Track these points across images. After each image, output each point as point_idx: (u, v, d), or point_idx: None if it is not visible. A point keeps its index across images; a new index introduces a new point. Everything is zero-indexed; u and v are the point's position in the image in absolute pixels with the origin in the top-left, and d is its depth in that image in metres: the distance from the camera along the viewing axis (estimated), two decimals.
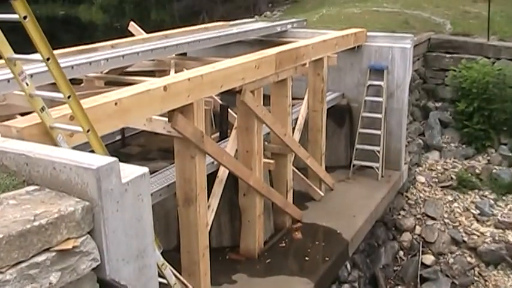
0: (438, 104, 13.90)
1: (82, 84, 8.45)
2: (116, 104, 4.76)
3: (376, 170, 11.05)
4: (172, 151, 6.42)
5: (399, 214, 11.82)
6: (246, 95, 6.91)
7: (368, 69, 11.11)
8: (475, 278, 10.69)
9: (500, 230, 11.22)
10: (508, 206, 11.72)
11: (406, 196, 12.18)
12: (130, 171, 3.66)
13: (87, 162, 3.38)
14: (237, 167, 7.04)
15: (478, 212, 11.66)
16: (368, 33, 11.18)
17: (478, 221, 11.54)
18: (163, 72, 9.42)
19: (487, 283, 10.55)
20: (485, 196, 12.01)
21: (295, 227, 8.82)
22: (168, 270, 4.94)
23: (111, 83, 8.52)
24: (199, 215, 6.30)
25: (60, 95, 3.77)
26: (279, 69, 7.61)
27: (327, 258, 7.97)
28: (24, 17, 3.51)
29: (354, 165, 11.19)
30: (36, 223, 3.07)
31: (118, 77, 8.32)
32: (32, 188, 3.52)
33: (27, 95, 3.88)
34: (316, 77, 9.40)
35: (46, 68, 3.76)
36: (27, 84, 3.84)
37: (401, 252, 11.31)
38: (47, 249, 3.15)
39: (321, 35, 10.43)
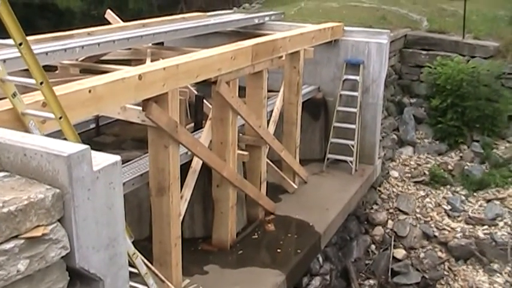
0: (413, 100, 14.05)
1: (57, 72, 8.35)
2: (89, 91, 4.72)
3: (350, 163, 11.13)
4: (146, 141, 6.39)
5: (372, 208, 11.94)
6: (221, 85, 6.90)
7: (344, 64, 11.17)
8: (445, 273, 10.85)
9: (471, 226, 11.40)
10: (479, 202, 11.91)
11: (379, 190, 12.30)
12: (102, 159, 3.63)
13: (58, 149, 3.35)
14: (211, 158, 7.04)
15: (450, 207, 11.84)
16: (345, 28, 11.22)
17: (449, 216, 11.71)
18: (139, 61, 9.36)
19: (456, 277, 10.71)
20: (457, 192, 12.19)
21: (268, 219, 8.86)
22: (139, 259, 4.93)
23: (86, 71, 8.44)
24: (172, 205, 6.29)
25: (33, 81, 3.72)
26: (255, 60, 7.61)
27: (298, 251, 8.02)
28: None
29: (328, 159, 11.26)
30: (4, 210, 3.04)
31: (93, 65, 8.24)
32: (1, 174, 3.47)
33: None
34: (292, 70, 9.42)
35: (19, 54, 3.72)
36: None
37: (373, 246, 11.41)
38: (16, 237, 3.11)
39: (298, 28, 10.45)
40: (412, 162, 12.98)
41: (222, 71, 6.81)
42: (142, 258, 5.04)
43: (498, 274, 10.66)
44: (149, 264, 5.38)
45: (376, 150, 11.73)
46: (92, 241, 3.56)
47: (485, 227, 11.37)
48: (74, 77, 7.42)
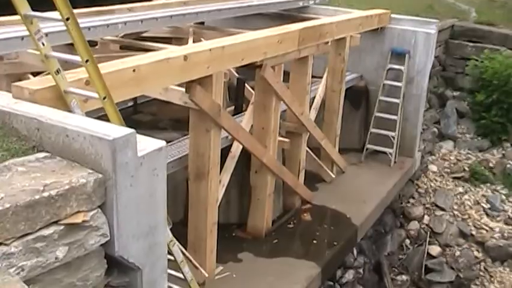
0: (456, 93, 13.63)
1: (97, 47, 8.20)
2: (133, 70, 4.54)
3: (390, 155, 10.81)
4: (184, 122, 6.21)
5: (408, 202, 11.63)
6: (266, 70, 6.67)
7: (389, 53, 10.80)
8: (481, 273, 10.55)
9: (510, 227, 11.04)
10: None
11: (417, 184, 11.97)
12: (146, 144, 3.45)
13: (103, 132, 3.18)
14: (251, 144, 6.84)
15: (489, 206, 11.47)
16: (392, 15, 10.83)
17: (487, 215, 11.35)
18: (180, 40, 9.16)
19: (492, 279, 10.40)
20: (497, 191, 11.81)
21: (304, 208, 8.64)
22: (176, 247, 4.78)
23: (126, 48, 8.27)
24: (210, 191, 6.12)
25: (78, 58, 3.55)
26: (301, 45, 7.35)
27: (335, 243, 7.80)
28: None
29: (367, 149, 10.96)
30: (45, 194, 2.89)
31: (134, 42, 8.07)
32: (42, 155, 3.32)
33: (43, 56, 3.66)
34: (337, 57, 9.12)
35: (63, 28, 3.55)
36: (43, 44, 3.63)
37: (407, 241, 11.14)
38: (55, 222, 2.97)
39: (343, 13, 10.12)
40: (452, 157, 12.61)
41: (267, 54, 6.57)
42: (179, 245, 4.88)
43: None
44: (184, 251, 5.23)
45: (417, 143, 11.37)
46: (132, 229, 3.41)
47: None
48: (115, 54, 7.31)
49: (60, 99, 3.89)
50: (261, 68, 6.63)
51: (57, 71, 3.75)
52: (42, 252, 2.89)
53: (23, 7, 3.49)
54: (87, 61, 3.50)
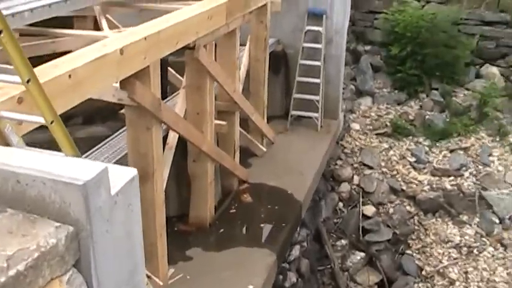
0: (367, 48, 13.58)
1: None
2: (69, 76, 3.80)
3: (316, 120, 10.56)
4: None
5: (336, 164, 11.50)
6: (200, 51, 6.04)
7: (306, 14, 10.41)
8: (415, 227, 10.66)
9: (437, 178, 11.21)
10: (442, 153, 11.71)
11: (342, 145, 11.86)
12: (116, 176, 2.82)
13: (68, 175, 2.51)
14: (191, 133, 6.24)
15: (414, 159, 11.58)
16: None
17: (414, 168, 11.46)
18: (84, 20, 8.23)
19: (428, 232, 10.54)
20: (420, 143, 11.94)
21: (242, 189, 8.19)
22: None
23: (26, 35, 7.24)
24: (157, 192, 5.51)
25: (16, 78, 2.81)
26: (229, 19, 6.76)
27: (283, 224, 7.43)
28: None
29: (291, 116, 10.64)
30: (11, 272, 2.22)
31: (39, 30, 7.06)
32: None
33: None
34: (259, 25, 8.60)
35: None
36: None
37: (340, 204, 11.02)
38: None
39: None
40: (372, 114, 12.59)
41: (199, 34, 5.94)
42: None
43: (468, 226, 10.55)
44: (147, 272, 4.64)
45: (340, 104, 11.21)
46: (112, 282, 2.80)
47: (451, 178, 11.21)
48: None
49: None
50: (194, 49, 5.99)
51: None
52: None
53: None
54: (28, 81, 2.77)
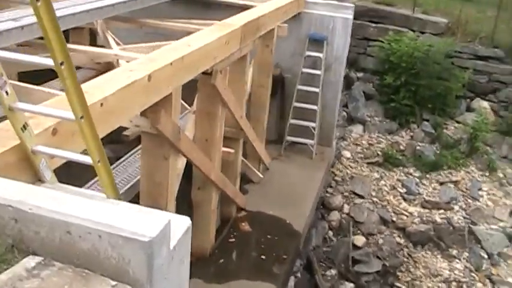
0: (360, 74, 13.51)
1: None
2: (101, 105, 3.54)
3: (311, 147, 10.40)
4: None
5: (327, 192, 11.33)
6: (217, 77, 5.81)
7: (307, 39, 10.27)
8: (405, 259, 10.53)
9: (427, 210, 11.13)
10: (433, 185, 11.66)
11: (333, 172, 11.71)
12: (172, 226, 2.57)
13: (130, 229, 2.26)
14: (202, 161, 5.99)
15: (405, 190, 11.50)
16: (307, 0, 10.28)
17: (405, 200, 11.37)
18: (80, 33, 7.94)
19: (417, 264, 10.42)
20: (411, 174, 11.86)
21: (240, 217, 7.97)
22: None
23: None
24: None
25: (68, 114, 2.54)
26: (243, 43, 6.56)
27: (284, 256, 7.22)
28: None
29: (287, 142, 10.46)
30: None
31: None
32: (33, 262, 2.33)
33: (6, 108, 2.62)
34: (265, 49, 8.45)
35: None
36: (6, 93, 2.58)
37: (330, 233, 10.84)
38: None
39: None
40: (363, 142, 12.48)
41: (217, 59, 5.72)
42: None
43: (457, 260, 10.48)
44: None
45: (334, 132, 11.09)
46: None
47: (441, 211, 11.16)
48: None
49: (24, 161, 2.86)
50: (210, 74, 5.76)
51: (24, 127, 2.73)
52: None
53: None
54: (82, 117, 2.51)
